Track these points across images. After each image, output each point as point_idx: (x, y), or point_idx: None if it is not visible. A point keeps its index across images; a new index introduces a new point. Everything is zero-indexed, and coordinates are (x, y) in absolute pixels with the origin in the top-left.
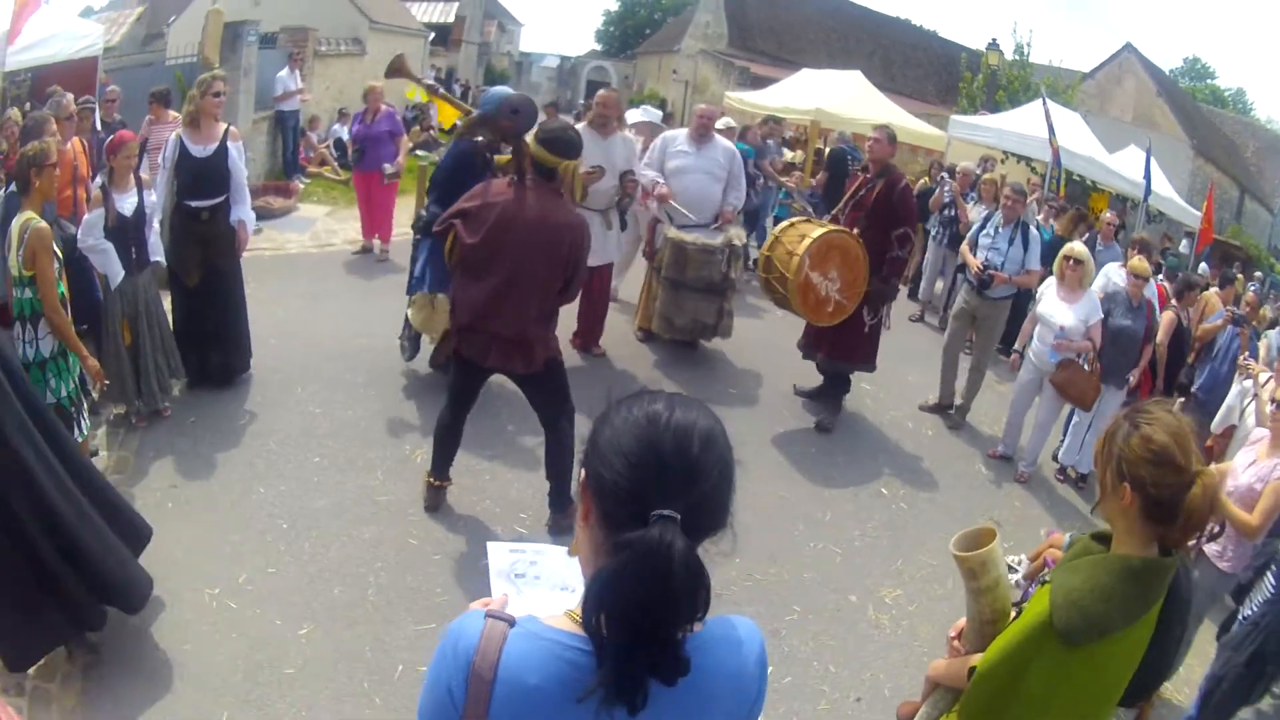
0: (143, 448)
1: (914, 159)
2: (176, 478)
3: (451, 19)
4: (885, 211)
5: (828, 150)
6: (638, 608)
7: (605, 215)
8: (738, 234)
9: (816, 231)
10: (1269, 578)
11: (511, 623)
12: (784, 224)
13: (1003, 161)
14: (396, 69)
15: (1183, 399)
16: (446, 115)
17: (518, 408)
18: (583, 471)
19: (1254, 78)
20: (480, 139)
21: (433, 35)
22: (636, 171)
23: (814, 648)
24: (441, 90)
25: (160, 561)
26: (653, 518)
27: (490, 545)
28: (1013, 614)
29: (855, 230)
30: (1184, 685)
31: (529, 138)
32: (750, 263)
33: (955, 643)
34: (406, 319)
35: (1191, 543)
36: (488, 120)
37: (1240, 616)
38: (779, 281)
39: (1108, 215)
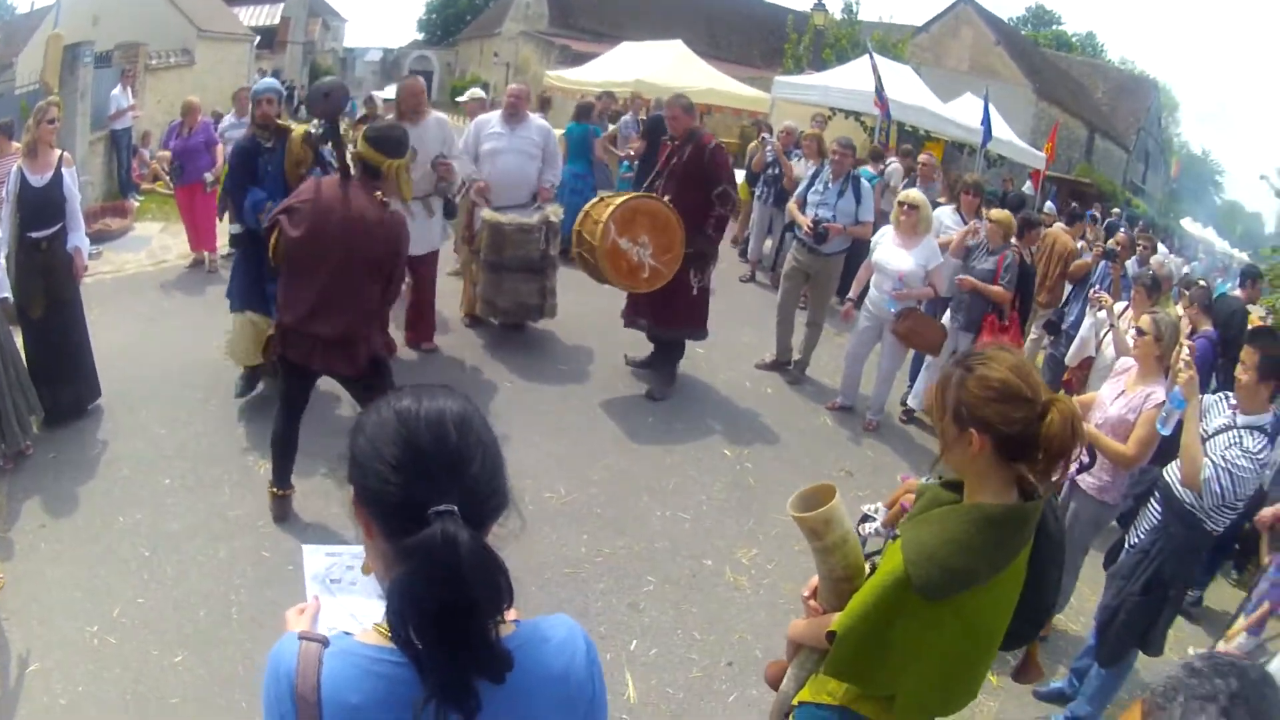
0: (12, 490)
1: (738, 121)
2: (45, 517)
3: (277, 20)
4: (697, 173)
5: (645, 119)
6: (439, 610)
7: (426, 202)
8: (554, 211)
9: (621, 199)
10: (1152, 504)
11: (325, 642)
12: (594, 199)
13: (829, 118)
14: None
15: (1053, 337)
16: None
17: (351, 406)
18: (351, 489)
19: (1104, 21)
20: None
21: (258, 39)
22: (452, 151)
23: (675, 616)
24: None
25: (43, 603)
26: (431, 516)
27: (306, 548)
28: (867, 568)
29: (667, 197)
30: (1078, 615)
31: (360, 136)
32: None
33: (811, 602)
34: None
35: (1056, 476)
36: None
37: (1127, 545)
38: (589, 253)
39: (924, 157)
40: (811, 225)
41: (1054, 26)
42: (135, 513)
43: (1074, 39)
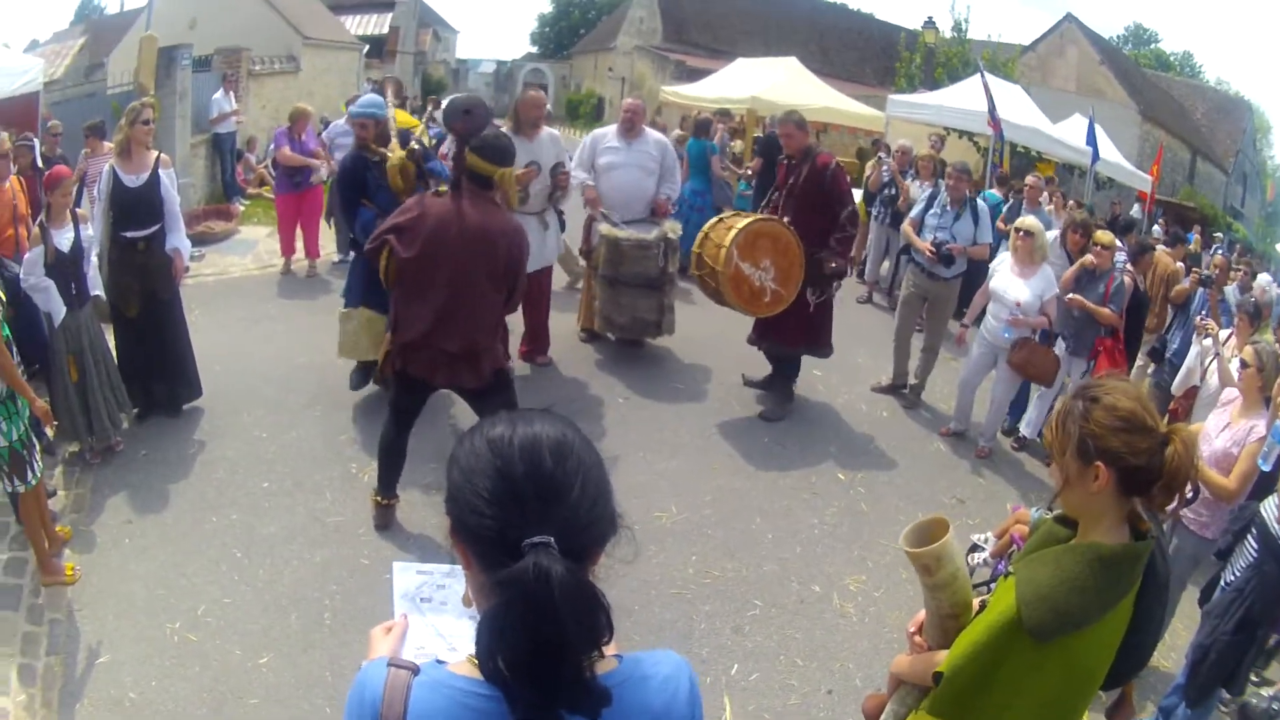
0: (98, 484)
1: (854, 140)
2: (131, 513)
3: (386, 30)
4: (816, 195)
5: (761, 136)
6: (531, 646)
7: (541, 217)
8: (672, 227)
9: (743, 222)
10: (1249, 541)
11: (415, 670)
12: (713, 220)
13: (945, 137)
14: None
15: (1156, 364)
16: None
17: (462, 419)
18: (449, 520)
19: (1201, 40)
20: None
21: (367, 48)
22: (567, 164)
23: (779, 641)
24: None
25: (121, 597)
26: (525, 548)
27: (396, 565)
28: (975, 605)
29: (786, 218)
30: (1170, 651)
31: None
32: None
33: (916, 638)
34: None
35: (1171, 506)
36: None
37: (1223, 582)
38: (710, 276)
39: (1030, 179)
40: (933, 249)
41: (1153, 45)
42: (230, 514)
43: (1172, 58)
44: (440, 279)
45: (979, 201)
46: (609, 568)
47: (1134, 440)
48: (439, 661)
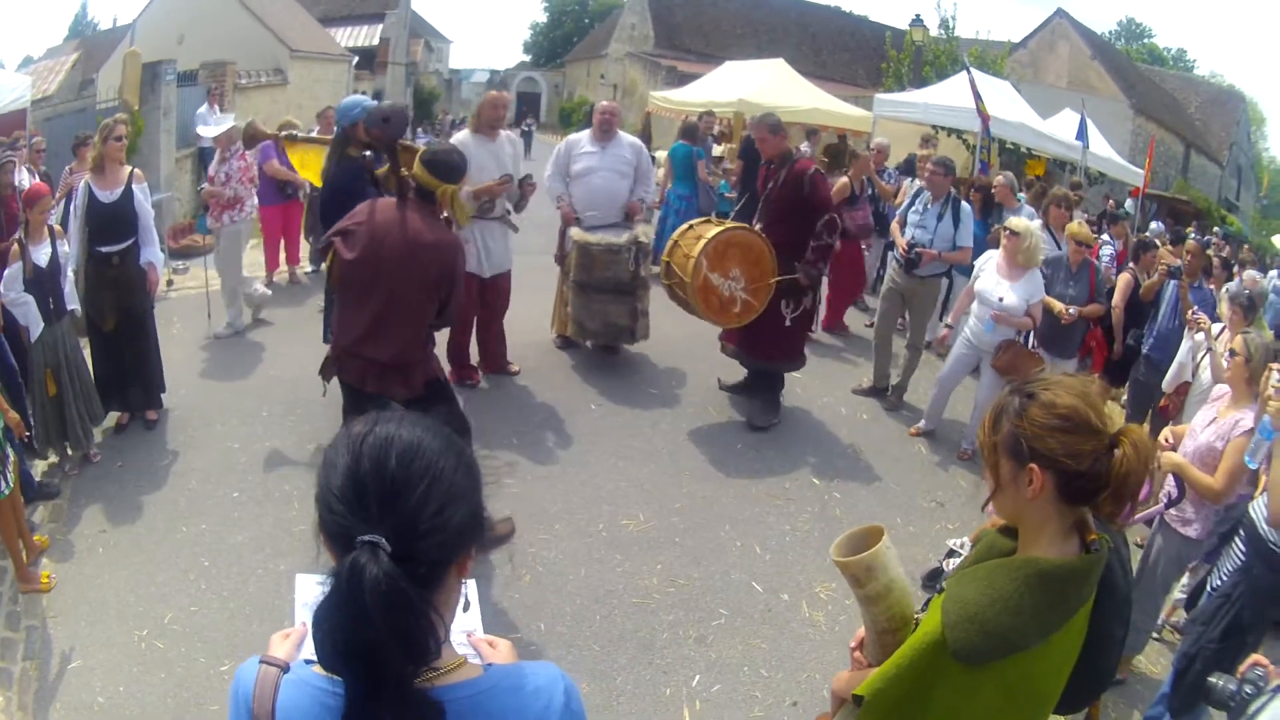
0: (74, 495)
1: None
2: (106, 523)
3: (376, 41)
4: (794, 202)
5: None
6: (344, 644)
7: (504, 221)
8: (644, 231)
9: (712, 231)
10: (1237, 543)
11: (285, 668)
12: (683, 227)
13: (934, 137)
14: (252, 135)
15: (1133, 360)
16: (307, 164)
17: None
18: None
19: (1195, 35)
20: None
21: (357, 59)
22: (519, 172)
23: (744, 651)
24: (300, 135)
25: (94, 605)
26: (356, 544)
27: (299, 577)
28: (914, 622)
29: (760, 225)
30: (1159, 658)
31: (415, 158)
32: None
33: (856, 654)
34: None
35: (1121, 517)
36: (348, 136)
37: (1209, 587)
38: (679, 287)
39: (999, 179)
40: (905, 249)
41: (1146, 40)
42: (200, 523)
43: (1165, 54)
44: (376, 286)
45: (963, 204)
46: (546, 579)
47: (1074, 442)
48: (307, 661)
